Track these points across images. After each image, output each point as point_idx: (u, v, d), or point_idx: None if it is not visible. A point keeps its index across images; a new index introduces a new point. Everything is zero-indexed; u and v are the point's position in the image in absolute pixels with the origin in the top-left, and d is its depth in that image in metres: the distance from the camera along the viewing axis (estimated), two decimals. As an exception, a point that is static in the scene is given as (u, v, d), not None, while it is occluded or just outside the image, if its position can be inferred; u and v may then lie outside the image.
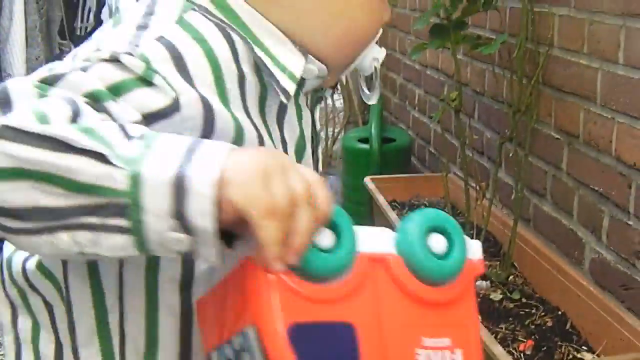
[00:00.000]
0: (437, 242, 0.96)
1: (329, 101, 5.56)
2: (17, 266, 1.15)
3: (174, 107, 1.00)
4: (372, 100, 1.23)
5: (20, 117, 0.88)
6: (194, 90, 1.02)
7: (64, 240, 0.88)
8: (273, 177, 0.86)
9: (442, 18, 2.82)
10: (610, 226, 2.38)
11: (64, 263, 1.10)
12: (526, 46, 2.72)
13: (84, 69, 0.99)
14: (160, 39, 1.04)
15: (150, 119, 0.99)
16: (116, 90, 0.98)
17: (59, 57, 4.56)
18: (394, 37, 4.59)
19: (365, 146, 4.26)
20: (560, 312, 2.56)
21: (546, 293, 2.68)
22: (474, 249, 1.01)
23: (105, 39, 1.07)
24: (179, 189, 0.85)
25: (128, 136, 0.89)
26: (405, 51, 4.37)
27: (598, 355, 2.32)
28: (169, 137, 0.90)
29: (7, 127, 0.87)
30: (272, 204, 0.85)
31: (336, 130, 5.37)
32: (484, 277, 2.77)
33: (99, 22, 4.79)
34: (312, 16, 1.11)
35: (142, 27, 1.06)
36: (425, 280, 0.95)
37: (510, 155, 2.90)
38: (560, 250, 2.69)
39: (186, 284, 1.08)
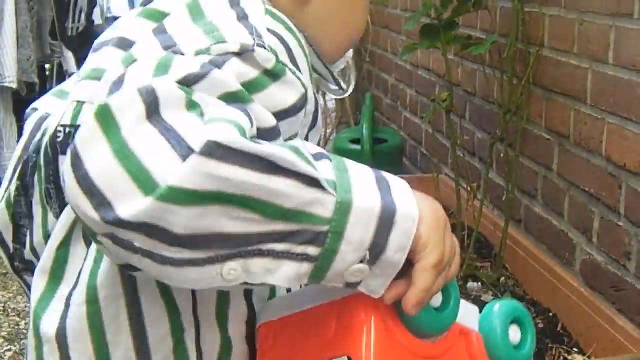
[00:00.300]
0: (515, 334, 1.02)
1: (321, 101, 5.55)
2: (48, 330, 1.00)
3: (303, 103, 0.94)
4: (347, 92, 1.23)
5: (227, 131, 0.79)
6: (310, 84, 0.97)
7: (234, 269, 0.82)
8: (445, 231, 0.89)
9: (432, 18, 2.81)
10: (601, 227, 2.37)
11: (135, 298, 0.99)
12: (517, 46, 2.71)
13: (218, 65, 0.88)
14: (269, 30, 0.96)
15: (279, 117, 0.92)
16: (252, 89, 0.90)
17: (50, 57, 4.57)
18: (386, 38, 4.58)
19: (357, 147, 4.25)
20: (551, 314, 2.55)
21: (537, 294, 2.67)
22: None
23: (197, 31, 0.95)
24: (386, 222, 0.83)
25: (314, 155, 0.85)
26: (396, 52, 4.36)
27: (589, 357, 2.31)
28: (349, 160, 0.88)
29: (216, 144, 0.77)
30: (442, 255, 0.87)
31: (328, 131, 5.36)
32: (475, 279, 2.76)
33: (90, 23, 4.78)
34: (328, 24, 1.13)
35: (244, 17, 0.97)
36: None
37: (502, 156, 2.89)
38: (551, 252, 2.68)
39: (249, 289, 1.03)
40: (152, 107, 0.80)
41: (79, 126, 0.96)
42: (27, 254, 1.08)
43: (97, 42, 1.09)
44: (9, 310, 3.28)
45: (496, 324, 1.00)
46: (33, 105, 1.14)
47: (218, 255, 0.81)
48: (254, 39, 0.92)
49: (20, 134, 3.87)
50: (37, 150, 1.06)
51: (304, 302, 0.98)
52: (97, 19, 4.77)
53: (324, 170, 0.84)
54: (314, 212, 0.81)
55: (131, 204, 0.77)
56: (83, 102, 1.01)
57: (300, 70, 0.97)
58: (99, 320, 0.98)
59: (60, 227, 1.00)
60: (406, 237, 0.85)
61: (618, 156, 2.26)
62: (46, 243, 1.03)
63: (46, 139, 1.04)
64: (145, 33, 0.99)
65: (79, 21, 4.82)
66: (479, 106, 3.21)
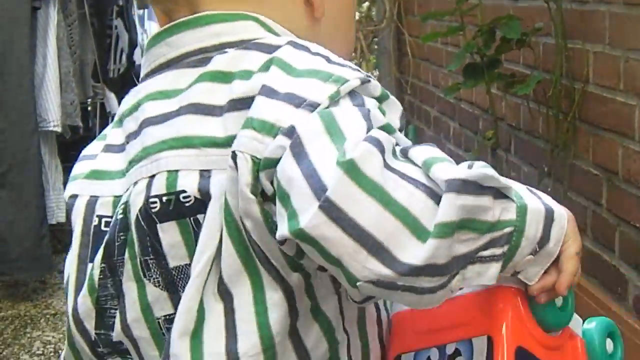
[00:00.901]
0: (609, 345, 1.17)
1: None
2: None
3: (404, 117, 1.04)
4: None
5: (456, 168, 0.92)
6: None
7: (458, 280, 0.94)
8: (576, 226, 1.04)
9: (474, 53, 2.82)
10: (654, 263, 2.37)
11: (296, 333, 1.03)
12: (561, 82, 2.71)
13: (363, 104, 0.97)
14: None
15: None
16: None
17: (94, 98, 4.60)
18: (427, 70, 4.59)
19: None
20: (605, 350, 2.54)
21: (591, 330, 2.65)
22: None
23: (309, 81, 0.97)
24: (549, 219, 0.99)
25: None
26: (438, 84, 4.37)
27: (646, 395, 2.30)
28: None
29: (457, 180, 0.90)
30: (581, 244, 1.04)
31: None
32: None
33: (131, 63, 4.83)
34: (337, 36, 1.17)
35: (328, 59, 1.02)
36: None
37: (549, 190, 2.89)
38: (603, 287, 2.67)
39: None
40: (384, 156, 0.90)
41: (179, 192, 1.00)
42: (117, 335, 1.08)
43: (153, 115, 1.06)
44: (60, 352, 3.32)
45: (597, 334, 1.14)
46: (69, 193, 1.14)
47: (452, 274, 0.93)
48: (359, 73, 1.00)
49: (65, 176, 3.89)
50: (125, 229, 1.05)
51: None
52: (138, 59, 4.81)
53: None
54: (506, 218, 0.95)
55: (414, 252, 0.89)
56: (177, 170, 1.01)
57: None
58: None
59: (193, 289, 1.00)
60: (562, 230, 1.01)
61: (669, 193, 2.26)
62: (145, 316, 1.05)
63: (133, 216, 1.03)
64: (242, 95, 0.99)
65: (120, 62, 4.88)
66: (525, 140, 3.21)
